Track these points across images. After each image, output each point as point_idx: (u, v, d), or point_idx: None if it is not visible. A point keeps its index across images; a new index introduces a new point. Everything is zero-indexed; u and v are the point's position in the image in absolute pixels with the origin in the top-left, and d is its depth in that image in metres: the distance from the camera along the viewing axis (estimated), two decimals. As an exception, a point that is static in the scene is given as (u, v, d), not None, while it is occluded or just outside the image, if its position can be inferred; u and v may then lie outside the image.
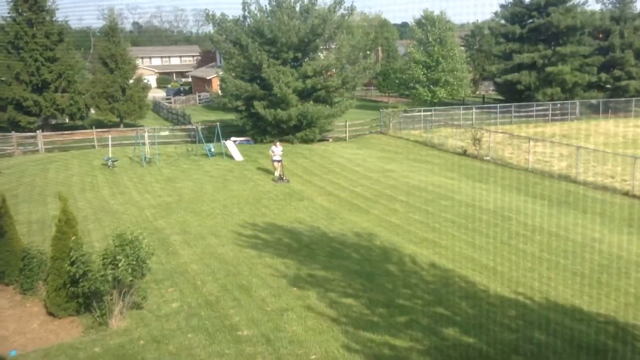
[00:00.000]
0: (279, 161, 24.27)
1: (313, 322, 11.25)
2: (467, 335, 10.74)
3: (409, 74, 51.12)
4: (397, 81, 55.28)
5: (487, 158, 29.06)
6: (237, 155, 29.52)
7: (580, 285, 13.09)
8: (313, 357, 9.99)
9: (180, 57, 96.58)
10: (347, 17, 36.05)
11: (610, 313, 11.71)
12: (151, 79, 73.03)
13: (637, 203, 20.59)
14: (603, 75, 49.49)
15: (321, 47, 36.59)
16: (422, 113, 40.62)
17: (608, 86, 50.55)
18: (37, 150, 32.97)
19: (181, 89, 74.27)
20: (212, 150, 30.01)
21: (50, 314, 11.78)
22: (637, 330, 11.01)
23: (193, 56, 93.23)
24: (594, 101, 47.11)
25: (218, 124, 32.55)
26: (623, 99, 47.52)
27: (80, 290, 11.08)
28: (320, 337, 10.68)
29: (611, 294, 12.67)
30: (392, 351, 10.15)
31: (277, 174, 24.15)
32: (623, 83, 48.81)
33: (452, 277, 13.56)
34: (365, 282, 13.15)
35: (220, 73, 36.88)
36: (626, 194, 21.73)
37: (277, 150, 24.25)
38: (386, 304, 12.01)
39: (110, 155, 28.52)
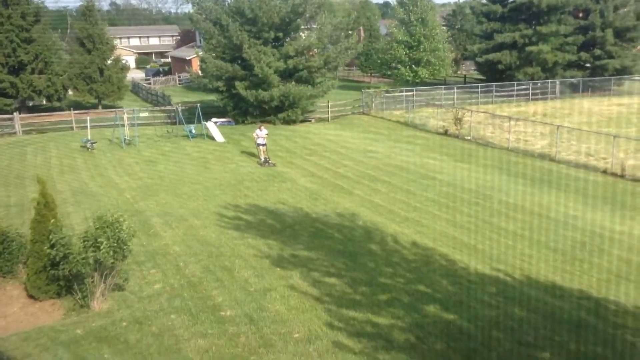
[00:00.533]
0: (263, 145, 23.88)
1: (296, 301, 11.31)
2: (447, 312, 10.89)
3: (391, 54, 51.00)
4: (379, 61, 55.15)
5: (469, 138, 29.23)
6: (219, 137, 29.33)
7: (559, 262, 13.31)
8: (296, 335, 10.06)
9: (159, 37, 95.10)
10: (328, -4, 35.73)
11: (588, 289, 11.94)
12: (130, 60, 71.95)
13: (615, 181, 20.90)
14: (583, 55, 49.82)
15: (303, 26, 36.30)
16: (404, 93, 40.63)
17: (588, 65, 50.92)
18: (14, 133, 32.41)
19: (160, 69, 73.29)
20: (193, 131, 29.76)
21: (31, 296, 11.68)
22: (613, 305, 11.25)
23: (172, 36, 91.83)
24: (574, 80, 47.47)
25: (198, 105, 32.24)
26: (602, 77, 47.97)
27: (61, 273, 11.00)
28: (303, 315, 10.75)
29: (589, 270, 12.90)
30: (374, 328, 10.26)
31: (262, 157, 23.76)
32: (603, 62, 49.20)
33: (433, 255, 13.71)
34: (347, 262, 13.24)
35: (200, 53, 36.42)
36: (604, 171, 22.04)
37: (261, 133, 23.86)
38: (368, 282, 12.11)
39: (89, 137, 28.15)
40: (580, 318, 10.70)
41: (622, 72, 49.46)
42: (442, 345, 9.70)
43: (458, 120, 30.18)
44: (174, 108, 34.55)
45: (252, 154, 25.35)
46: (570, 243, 14.50)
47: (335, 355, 9.40)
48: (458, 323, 10.48)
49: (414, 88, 42.00)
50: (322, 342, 9.81)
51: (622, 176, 21.28)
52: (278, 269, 12.89)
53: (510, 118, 29.57)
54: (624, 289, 11.97)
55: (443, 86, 47.33)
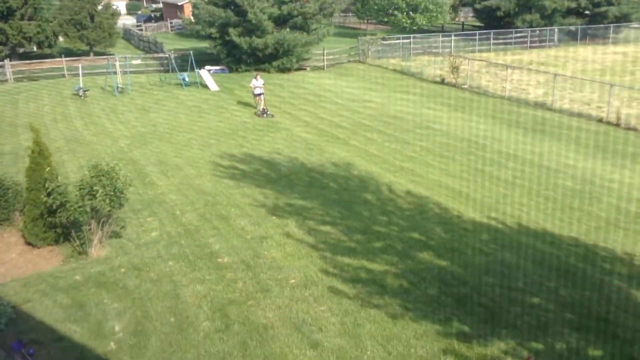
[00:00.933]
0: (260, 94, 23.15)
1: (292, 248, 11.47)
2: (440, 259, 11.08)
3: (388, 0, 49.92)
4: (375, 7, 53.99)
5: (465, 86, 29.01)
6: (212, 85, 28.99)
7: (552, 210, 13.46)
8: (292, 281, 10.25)
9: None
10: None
11: (580, 236, 12.13)
12: (120, 5, 70.05)
13: (610, 129, 20.92)
14: (582, 1, 48.95)
15: (297, -29, 35.34)
16: (400, 41, 40.01)
17: (587, 12, 50.09)
18: (6, 80, 31.93)
19: (152, 15, 71.69)
20: (187, 79, 29.38)
21: (29, 244, 11.79)
22: (604, 252, 11.45)
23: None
24: (572, 28, 46.81)
25: (191, 52, 31.72)
26: (601, 25, 47.26)
27: (58, 221, 11.07)
28: (299, 262, 10.92)
29: (582, 218, 13.07)
30: (369, 274, 10.45)
31: (260, 108, 23.09)
32: (602, 9, 48.40)
33: (428, 204, 13.83)
34: (342, 210, 13.35)
35: (193, -1, 35.57)
36: (600, 120, 22.03)
37: (257, 83, 23.04)
38: (363, 230, 12.26)
39: (81, 85, 27.78)
40: (571, 264, 10.92)
41: (622, 19, 48.73)
42: (435, 291, 9.91)
43: (455, 69, 29.87)
44: (167, 55, 33.99)
45: (246, 103, 25.13)
46: (564, 191, 14.63)
47: (330, 300, 9.61)
48: (451, 269, 10.67)
49: (411, 35, 41.34)
50: (318, 287, 10.01)
51: (617, 125, 21.30)
52: (274, 217, 13.00)
53: (507, 66, 29.29)
54: (615, 236, 12.17)
55: (441, 34, 46.61)
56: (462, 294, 9.82)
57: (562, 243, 11.83)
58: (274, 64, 33.86)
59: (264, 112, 22.99)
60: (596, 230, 12.47)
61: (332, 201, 13.95)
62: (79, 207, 10.73)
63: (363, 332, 8.78)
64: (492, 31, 44.43)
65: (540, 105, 24.81)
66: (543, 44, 44.74)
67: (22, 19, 37.86)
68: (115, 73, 29.06)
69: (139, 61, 36.41)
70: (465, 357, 8.20)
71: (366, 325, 8.95)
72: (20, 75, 32.87)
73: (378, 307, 9.41)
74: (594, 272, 10.67)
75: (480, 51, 41.93)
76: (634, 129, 20.79)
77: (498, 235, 12.17)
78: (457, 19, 63.81)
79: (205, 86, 29.09)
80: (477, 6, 49.89)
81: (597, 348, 8.42)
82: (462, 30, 54.98)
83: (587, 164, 16.96)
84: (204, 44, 39.02)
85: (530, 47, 44.10)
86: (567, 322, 9.02)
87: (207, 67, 32.80)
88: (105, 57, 34.86)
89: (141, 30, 58.64)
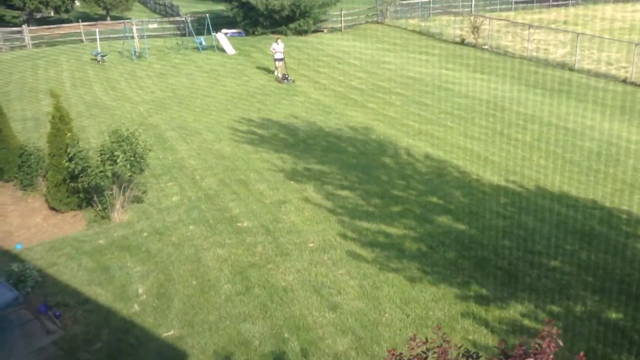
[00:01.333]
0: (281, 59, 22.60)
1: (310, 213, 11.55)
2: (459, 223, 11.08)
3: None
4: (394, -34, 52.71)
5: (486, 47, 28.45)
6: (229, 49, 28.79)
7: (573, 173, 13.32)
8: (311, 245, 10.35)
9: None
10: None
11: (601, 199, 12.01)
12: (136, -32, 69.35)
13: (633, 90, 20.46)
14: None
15: None
16: (419, 0, 39.14)
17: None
18: (25, 46, 32.02)
19: (168, -22, 70.77)
20: (203, 43, 29.20)
21: (52, 208, 12.03)
22: (624, 215, 11.35)
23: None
24: (597, -15, 45.30)
25: (207, 15, 31.42)
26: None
27: (80, 186, 11.24)
28: (317, 226, 11.01)
29: (603, 181, 12.92)
30: (387, 238, 10.51)
31: (279, 73, 22.61)
32: (629, -35, 46.68)
33: (447, 167, 13.76)
34: (360, 175, 13.35)
35: (208, -40, 35.03)
36: (624, 81, 21.54)
37: (278, 47, 22.49)
38: (381, 195, 12.27)
39: (99, 50, 27.77)
40: (591, 227, 10.85)
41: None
42: (454, 254, 9.95)
43: (475, 29, 29.25)
44: (183, 19, 33.72)
45: (264, 67, 24.98)
46: (585, 154, 14.44)
47: (349, 264, 9.71)
48: (469, 233, 10.68)
49: (431, -5, 40.36)
50: (336, 251, 10.10)
51: (642, 86, 20.81)
52: (292, 182, 13.06)
53: (529, 26, 28.59)
54: (637, 199, 12.03)
55: (461, -8, 45.44)
56: (481, 257, 9.85)
57: (583, 206, 11.74)
58: (291, 26, 33.44)
59: (284, 77, 22.48)
60: (616, 193, 12.33)
61: (350, 165, 13.95)
62: (100, 172, 10.87)
63: (381, 295, 8.88)
64: (514, -11, 43.21)
65: (562, 66, 24.29)
66: (566, 1, 43.44)
67: (38, -17, 37.68)
68: (132, 37, 28.97)
69: (155, 25, 36.20)
70: (483, 320, 8.27)
71: (384, 288, 9.05)
72: (38, 41, 32.93)
73: (396, 270, 9.49)
74: (614, 234, 10.61)
75: (502, 10, 40.86)
76: (660, 90, 20.31)
77: (517, 198, 12.11)
78: (478, -23, 62.12)
79: (222, 50, 28.91)
80: (499, -37, 48.34)
81: (616, 311, 8.43)
82: (483, -11, 53.54)
83: (609, 125, 16.66)
84: (220, 7, 38.59)
85: (554, 5, 42.83)
86: (586, 285, 9.02)
87: (224, 31, 32.51)
88: (122, 21, 34.70)
89: (157, -7, 58.02)
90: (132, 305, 8.89)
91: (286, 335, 8.11)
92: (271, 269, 9.67)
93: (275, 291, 9.06)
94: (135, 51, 27.84)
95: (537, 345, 3.96)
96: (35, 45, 32.28)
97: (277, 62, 22.82)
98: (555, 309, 8.51)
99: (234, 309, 8.69)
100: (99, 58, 26.79)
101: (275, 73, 22.96)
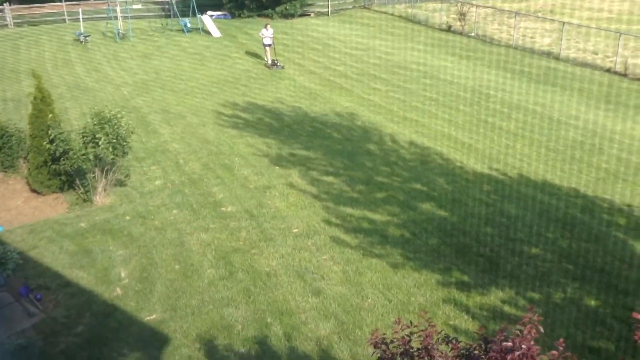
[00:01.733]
0: (269, 45, 22.20)
1: (295, 198, 11.55)
2: (442, 210, 11.16)
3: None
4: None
5: (472, 34, 28.46)
6: (215, 31, 28.49)
7: (556, 162, 13.44)
8: (295, 230, 10.36)
9: None
10: None
11: (582, 188, 12.15)
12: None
13: (617, 79, 20.63)
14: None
15: None
16: (407, -14, 38.94)
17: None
18: (6, 25, 31.40)
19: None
20: (188, 25, 28.85)
21: (34, 191, 11.89)
22: (604, 203, 11.50)
23: None
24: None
25: (193, -4, 30.97)
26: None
27: (62, 168, 11.12)
28: (302, 212, 11.01)
29: (585, 170, 13.06)
30: (370, 225, 10.56)
31: (269, 59, 22.24)
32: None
33: (431, 154, 13.81)
34: (345, 161, 13.35)
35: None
36: (608, 70, 21.70)
37: (267, 32, 22.03)
38: (366, 181, 12.30)
39: (82, 30, 27.33)
40: (571, 216, 10.98)
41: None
42: (436, 241, 10.02)
43: (462, 16, 29.21)
44: (168, 0, 33.26)
45: (249, 51, 24.77)
46: (568, 143, 14.57)
47: (332, 249, 9.74)
48: (452, 220, 10.76)
49: (418, -19, 40.18)
50: (320, 237, 10.13)
51: (625, 75, 20.99)
52: (277, 167, 13.03)
53: (515, 14, 28.62)
54: (618, 188, 12.19)
55: (448, -21, 45.32)
56: (463, 244, 9.94)
57: (565, 194, 11.87)
58: (277, 9, 33.11)
59: (273, 63, 22.11)
60: (598, 182, 12.48)
61: (335, 151, 13.94)
62: (82, 154, 10.75)
63: (364, 281, 8.94)
64: (501, -23, 43.19)
65: (547, 55, 24.40)
66: (553, -10, 43.51)
67: (19, -40, 36.87)
68: (116, 18, 28.52)
69: (139, 6, 35.66)
70: (464, 306, 8.37)
71: (367, 273, 9.10)
72: (20, 20, 32.30)
73: (379, 256, 9.55)
74: (595, 223, 10.75)
75: (489, -2, 40.84)
76: (642, 80, 20.49)
77: (500, 186, 12.21)
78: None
79: (207, 32, 28.59)
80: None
81: (594, 298, 8.57)
82: (471, -24, 53.46)
83: (592, 115, 16.81)
84: (206, -11, 38.09)
85: (540, -6, 42.91)
86: (567, 273, 9.15)
87: (209, 13, 32.11)
88: (105, 1, 34.12)
89: (141, -27, 57.12)
90: (114, 289, 8.86)
91: (269, 319, 8.13)
92: (255, 254, 9.67)
93: (259, 276, 9.07)
94: (118, 32, 27.43)
95: (518, 332, 4.01)
96: (17, 25, 31.67)
97: (266, 48, 22.42)
98: (535, 296, 8.63)
99: (217, 294, 8.69)
100: (81, 39, 26.36)
101: (265, 59, 22.66)
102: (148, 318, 8.25)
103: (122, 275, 9.18)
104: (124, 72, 21.56)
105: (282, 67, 22.02)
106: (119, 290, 8.82)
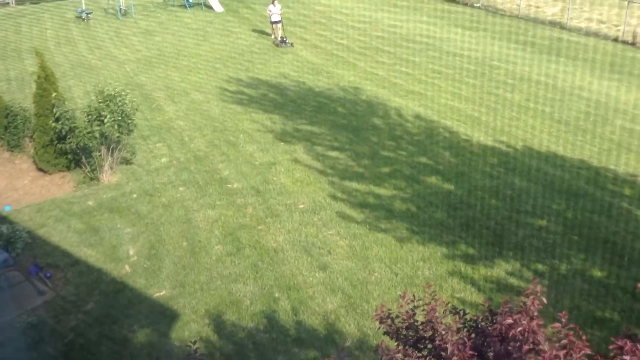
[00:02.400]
0: (278, 22, 21.57)
1: (300, 174, 11.55)
2: (448, 183, 11.15)
3: None
4: None
5: (478, 5, 28.07)
6: (217, 6, 28.20)
7: (562, 133, 13.36)
8: (301, 206, 10.40)
9: None
10: None
11: (589, 159, 12.09)
12: None
13: (625, 49, 20.36)
14: None
15: None
16: (411, -44, 38.31)
17: None
18: (8, 3, 31.21)
19: None
20: (190, 0, 28.58)
21: (40, 170, 11.94)
22: (611, 174, 11.45)
23: None
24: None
25: (195, -29, 30.60)
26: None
27: (68, 147, 11.14)
28: (307, 188, 11.03)
29: (591, 140, 12.98)
30: (376, 199, 10.57)
31: (277, 37, 21.61)
32: None
33: (437, 128, 13.74)
34: (351, 136, 13.31)
35: None
36: (615, 39, 21.41)
37: (274, 9, 21.38)
38: (371, 156, 12.27)
39: (83, 7, 27.11)
40: (579, 187, 10.96)
41: None
42: (442, 214, 10.04)
43: (467, -14, 28.77)
44: (170, -25, 32.85)
45: (252, 26, 24.54)
46: (574, 114, 14.45)
47: (339, 224, 9.78)
48: (458, 193, 10.76)
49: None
50: (326, 212, 10.16)
51: (633, 44, 20.70)
52: (282, 143, 13.01)
53: (522, -17, 28.13)
54: (624, 159, 12.12)
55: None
56: (469, 217, 9.95)
57: (571, 166, 11.82)
58: (280, -17, 32.71)
59: (282, 40, 21.47)
60: (604, 152, 12.41)
61: (340, 126, 13.89)
62: (88, 132, 10.77)
63: (371, 255, 8.99)
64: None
65: (555, 24, 24.06)
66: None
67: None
68: (117, -6, 28.25)
69: (140, -19, 35.25)
70: (470, 279, 8.42)
71: (374, 248, 9.15)
72: (21, -2, 32.07)
73: (385, 231, 9.59)
74: (600, 194, 10.72)
75: (494, -33, 40.18)
76: (650, 49, 20.22)
77: (507, 158, 12.16)
78: None
79: (209, 7, 28.32)
80: None
81: (600, 269, 8.60)
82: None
83: (599, 85, 16.63)
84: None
85: (547, -38, 42.16)
86: (572, 244, 9.16)
87: (211, -13, 31.75)
88: (106, -23, 33.76)
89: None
90: (122, 267, 8.95)
91: (277, 294, 8.21)
92: (261, 230, 9.73)
93: (266, 252, 9.14)
94: (120, 8, 27.21)
95: (522, 303, 4.03)
96: (19, 3, 31.45)
97: (273, 25, 21.78)
98: (541, 267, 8.66)
99: (225, 270, 8.77)
100: (83, 16, 26.17)
101: (272, 36, 22.26)
102: (157, 295, 8.36)
103: (131, 252, 9.27)
104: (127, 49, 21.44)
105: (291, 45, 21.43)
106: (127, 268, 8.91)
